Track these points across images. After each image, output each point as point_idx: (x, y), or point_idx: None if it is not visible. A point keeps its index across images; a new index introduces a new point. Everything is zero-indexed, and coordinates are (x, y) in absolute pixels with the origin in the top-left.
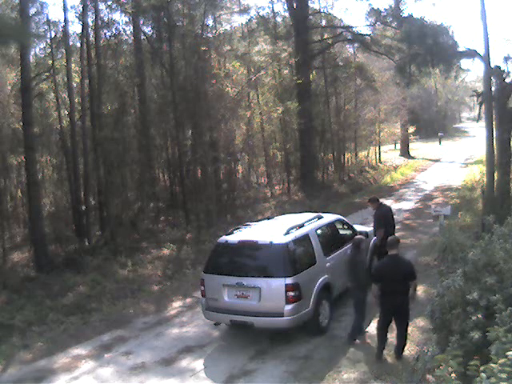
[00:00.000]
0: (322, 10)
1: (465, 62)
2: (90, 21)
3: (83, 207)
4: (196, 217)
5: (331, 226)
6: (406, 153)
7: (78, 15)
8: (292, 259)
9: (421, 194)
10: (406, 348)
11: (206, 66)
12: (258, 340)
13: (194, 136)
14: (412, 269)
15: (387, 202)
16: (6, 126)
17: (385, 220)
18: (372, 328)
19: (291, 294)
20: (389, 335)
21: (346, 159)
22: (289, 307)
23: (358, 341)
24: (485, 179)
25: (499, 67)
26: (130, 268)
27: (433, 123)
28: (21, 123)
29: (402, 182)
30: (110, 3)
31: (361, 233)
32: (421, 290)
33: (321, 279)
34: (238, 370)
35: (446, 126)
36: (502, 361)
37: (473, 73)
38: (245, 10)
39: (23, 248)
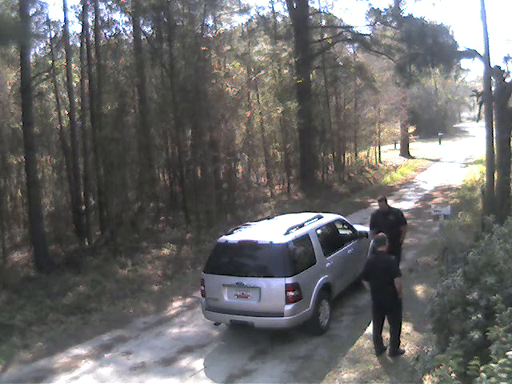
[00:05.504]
0: (321, 10)
1: (465, 62)
2: (90, 21)
3: (83, 207)
4: (196, 217)
5: (331, 225)
6: (405, 153)
7: (78, 15)
8: (292, 259)
9: (421, 194)
10: (406, 348)
11: (205, 65)
12: (257, 340)
13: (193, 136)
14: (393, 266)
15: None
16: (6, 125)
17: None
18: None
19: (291, 293)
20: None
21: (345, 159)
22: (289, 307)
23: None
24: (485, 179)
25: (499, 67)
26: (130, 268)
27: (433, 123)
28: (21, 123)
29: (401, 181)
30: (109, 3)
31: (361, 233)
32: (421, 290)
33: (321, 279)
34: (238, 370)
35: (445, 125)
36: (502, 361)
37: (473, 73)
38: (245, 10)
39: (23, 248)
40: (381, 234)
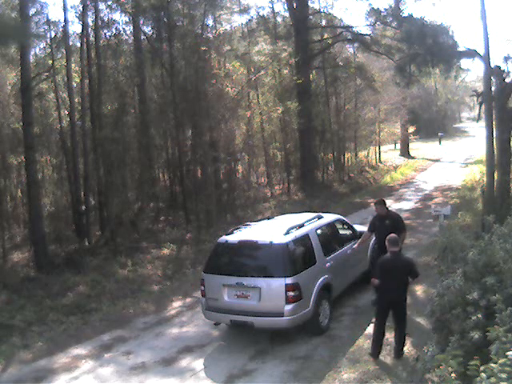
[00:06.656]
0: (321, 10)
1: (465, 62)
2: (90, 21)
3: (83, 207)
4: (196, 217)
5: (331, 225)
6: (405, 153)
7: (78, 15)
8: (292, 259)
9: (421, 194)
10: (405, 348)
11: (206, 66)
12: (257, 340)
13: (193, 136)
14: (413, 266)
15: (387, 201)
16: (6, 125)
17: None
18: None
19: (291, 293)
20: (390, 335)
21: (346, 159)
22: (289, 307)
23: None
24: (485, 179)
25: (499, 67)
26: (130, 268)
27: (433, 123)
28: (21, 123)
29: (401, 181)
30: (109, 3)
31: (361, 233)
32: (421, 290)
33: (321, 279)
34: (238, 370)
35: (445, 125)
36: (502, 361)
37: (473, 73)
38: (245, 10)
39: (23, 248)
40: (393, 234)
